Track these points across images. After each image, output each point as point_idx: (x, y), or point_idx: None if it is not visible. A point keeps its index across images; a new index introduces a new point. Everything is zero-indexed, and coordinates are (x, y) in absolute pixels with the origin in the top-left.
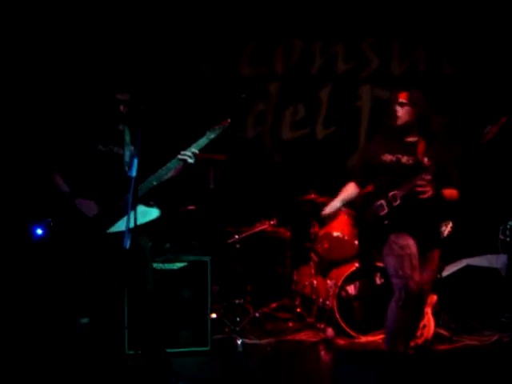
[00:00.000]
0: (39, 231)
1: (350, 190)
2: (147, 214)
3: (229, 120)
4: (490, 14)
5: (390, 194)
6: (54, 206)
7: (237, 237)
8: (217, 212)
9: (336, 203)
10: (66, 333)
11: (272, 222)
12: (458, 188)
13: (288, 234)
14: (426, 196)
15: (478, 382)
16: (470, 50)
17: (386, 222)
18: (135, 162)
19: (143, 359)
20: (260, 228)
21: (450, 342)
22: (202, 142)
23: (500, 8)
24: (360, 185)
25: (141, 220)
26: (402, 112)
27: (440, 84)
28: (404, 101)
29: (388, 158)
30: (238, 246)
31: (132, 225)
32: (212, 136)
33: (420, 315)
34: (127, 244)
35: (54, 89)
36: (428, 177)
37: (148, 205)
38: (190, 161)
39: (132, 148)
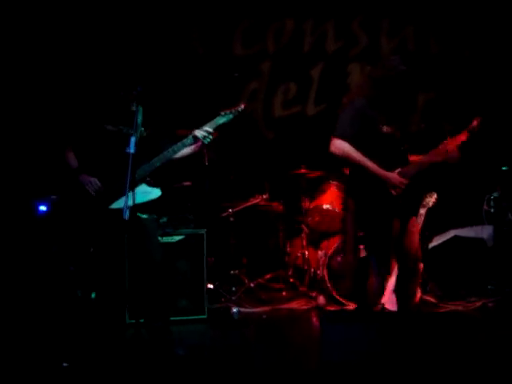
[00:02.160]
0: (42, 208)
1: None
2: (149, 193)
3: (243, 105)
4: None
5: (396, 171)
6: (60, 181)
7: (230, 210)
8: (211, 187)
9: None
10: (68, 306)
11: (265, 197)
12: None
13: (280, 207)
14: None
15: (458, 342)
16: (458, 30)
17: (400, 202)
18: (133, 139)
19: (146, 328)
20: (253, 202)
21: (436, 308)
22: (217, 121)
23: None
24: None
25: (142, 199)
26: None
27: (427, 62)
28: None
29: (387, 129)
30: (232, 219)
31: (130, 198)
32: (224, 119)
33: (416, 278)
34: (126, 215)
35: (68, 70)
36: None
37: (150, 184)
38: (205, 140)
39: (142, 130)
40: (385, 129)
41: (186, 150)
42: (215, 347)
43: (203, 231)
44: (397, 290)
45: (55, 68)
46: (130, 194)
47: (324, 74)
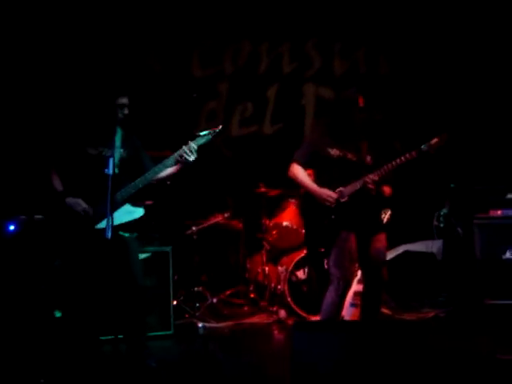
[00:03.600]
0: (11, 227)
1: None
2: (133, 212)
3: (220, 126)
4: (427, 15)
5: (337, 190)
6: (45, 202)
7: (194, 228)
8: (174, 206)
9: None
10: (43, 326)
11: (226, 215)
12: (392, 185)
13: (240, 225)
14: (372, 194)
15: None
16: (406, 52)
17: (333, 217)
18: (111, 161)
19: (125, 343)
20: (215, 220)
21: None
22: (198, 142)
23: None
24: (304, 167)
25: (127, 218)
26: (358, 114)
27: (377, 84)
28: (361, 105)
29: (336, 152)
30: (195, 237)
31: (110, 218)
32: (203, 140)
33: (380, 294)
34: (109, 234)
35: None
36: (375, 177)
37: (134, 204)
38: (189, 157)
39: (122, 151)
40: (333, 152)
41: (167, 171)
42: (185, 360)
43: (169, 249)
44: (362, 301)
45: (37, 90)
46: (111, 213)
47: (279, 95)
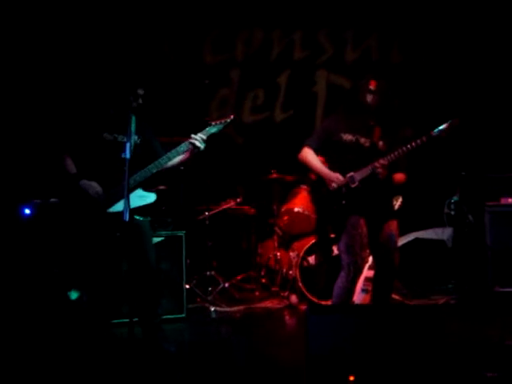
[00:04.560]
0: (27, 211)
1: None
2: (145, 197)
3: (232, 116)
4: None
5: (348, 175)
6: (59, 185)
7: (207, 214)
8: (186, 191)
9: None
10: (60, 307)
11: (238, 200)
12: (406, 171)
13: (252, 210)
14: (381, 178)
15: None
16: (418, 39)
17: (343, 202)
18: (127, 145)
19: (141, 326)
20: (226, 206)
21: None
22: (209, 130)
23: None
24: (315, 152)
25: (139, 203)
26: (369, 98)
27: (389, 71)
28: (373, 88)
29: (348, 137)
30: (207, 222)
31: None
32: (214, 129)
33: (392, 281)
34: (126, 217)
35: (66, 80)
36: (385, 161)
37: (146, 190)
38: (200, 145)
39: (136, 137)
40: (345, 137)
41: (179, 158)
42: (197, 343)
43: (182, 233)
44: (374, 287)
45: (52, 75)
46: (127, 196)
47: (291, 82)
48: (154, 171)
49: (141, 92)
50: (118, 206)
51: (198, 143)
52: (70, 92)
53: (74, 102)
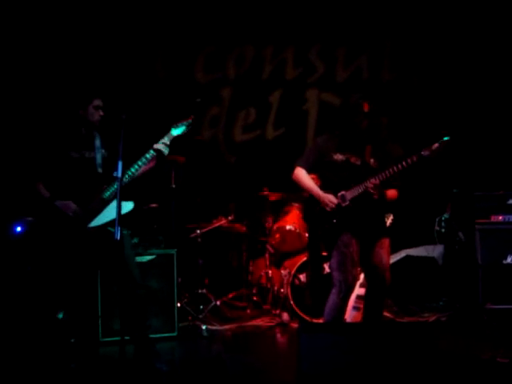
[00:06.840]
0: (18, 228)
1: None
2: (123, 207)
3: (192, 116)
4: (429, 22)
5: (339, 194)
6: (36, 207)
7: (198, 231)
8: (178, 209)
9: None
10: (44, 326)
11: (230, 218)
12: (398, 188)
13: (244, 228)
14: (374, 198)
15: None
16: (409, 58)
17: (334, 221)
18: (120, 164)
19: (133, 342)
20: (218, 224)
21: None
22: (172, 133)
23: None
24: (308, 172)
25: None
26: (363, 120)
27: (379, 90)
28: (367, 111)
29: (339, 157)
30: (199, 240)
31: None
32: (177, 131)
33: (383, 299)
34: (118, 235)
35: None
36: (376, 181)
37: (123, 199)
38: (164, 150)
39: (103, 151)
40: (336, 156)
41: (148, 165)
42: (189, 362)
43: (173, 251)
44: (365, 305)
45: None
46: (119, 214)
47: (282, 100)
48: (127, 181)
49: (98, 103)
50: (98, 220)
51: (162, 149)
52: (34, 114)
53: (37, 124)
